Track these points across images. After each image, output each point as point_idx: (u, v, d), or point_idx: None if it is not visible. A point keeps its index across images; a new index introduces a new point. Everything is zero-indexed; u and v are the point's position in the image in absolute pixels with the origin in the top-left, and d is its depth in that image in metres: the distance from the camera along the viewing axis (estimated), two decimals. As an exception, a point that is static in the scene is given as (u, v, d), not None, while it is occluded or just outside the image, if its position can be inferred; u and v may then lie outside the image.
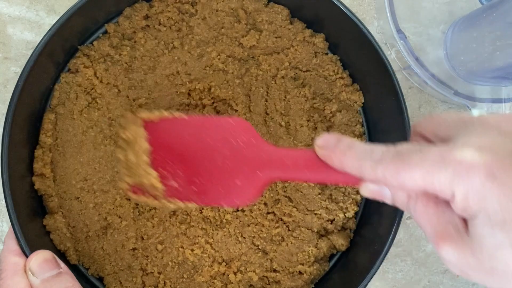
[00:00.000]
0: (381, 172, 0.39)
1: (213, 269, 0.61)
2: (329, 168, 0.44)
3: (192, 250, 0.61)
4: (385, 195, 0.44)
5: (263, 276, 0.61)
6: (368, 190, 0.44)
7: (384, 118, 0.62)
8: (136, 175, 0.50)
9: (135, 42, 0.62)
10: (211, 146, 0.49)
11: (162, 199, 0.50)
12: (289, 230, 0.62)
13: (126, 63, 0.62)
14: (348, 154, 0.42)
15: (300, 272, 0.61)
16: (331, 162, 0.43)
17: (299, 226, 0.62)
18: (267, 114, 0.63)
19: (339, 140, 0.43)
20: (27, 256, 0.52)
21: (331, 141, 0.43)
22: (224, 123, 0.50)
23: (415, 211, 0.42)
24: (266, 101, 0.63)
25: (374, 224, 0.61)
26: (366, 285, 0.56)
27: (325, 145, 0.44)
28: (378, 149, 0.41)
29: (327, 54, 0.64)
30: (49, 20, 0.67)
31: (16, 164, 0.56)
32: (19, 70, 0.65)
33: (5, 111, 0.54)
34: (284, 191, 0.62)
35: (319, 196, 0.61)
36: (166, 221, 0.61)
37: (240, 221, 0.61)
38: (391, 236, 0.56)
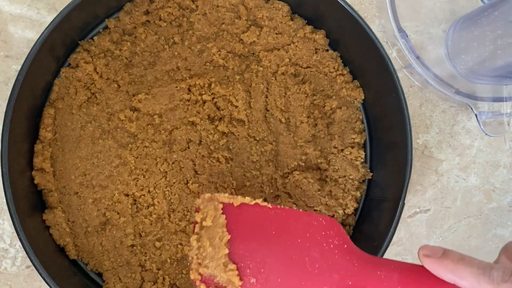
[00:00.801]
0: None
1: None
2: (428, 285, 0.42)
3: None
4: None
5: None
6: None
7: (385, 115, 0.62)
8: (212, 268, 0.45)
9: (135, 37, 0.62)
10: (299, 245, 0.45)
11: None
12: (288, 226, 0.61)
13: (126, 58, 0.62)
14: (461, 264, 0.40)
15: None
16: (440, 272, 0.41)
17: (299, 223, 0.61)
18: (267, 111, 0.62)
19: (445, 250, 0.42)
20: None
21: (437, 250, 0.42)
22: (314, 221, 0.46)
23: None
24: (267, 97, 0.63)
25: (374, 221, 0.61)
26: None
27: (431, 254, 0.42)
28: (498, 267, 0.39)
29: (327, 50, 0.64)
30: (50, 18, 0.66)
31: (16, 159, 0.56)
32: (20, 68, 0.65)
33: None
34: (284, 187, 0.61)
35: (319, 192, 0.61)
36: (164, 218, 0.61)
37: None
38: (390, 232, 0.56)
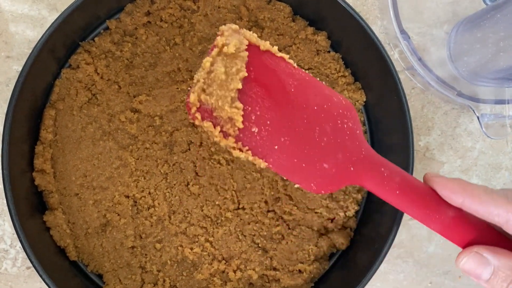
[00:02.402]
0: None
1: (213, 267, 0.60)
2: (426, 202, 0.41)
3: (191, 249, 0.60)
4: (483, 275, 0.41)
5: (263, 274, 0.61)
6: (468, 264, 0.41)
7: (386, 117, 0.62)
8: (217, 96, 0.40)
9: (136, 38, 0.62)
10: (314, 112, 0.42)
11: (231, 141, 0.41)
12: (289, 228, 0.61)
13: (127, 59, 0.62)
14: (472, 186, 0.40)
15: (300, 271, 0.61)
16: (447, 187, 0.41)
17: (299, 225, 0.61)
18: None
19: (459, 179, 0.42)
20: None
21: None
22: (335, 97, 0.43)
23: None
24: (268, 99, 0.62)
25: (375, 223, 0.60)
26: (366, 284, 0.56)
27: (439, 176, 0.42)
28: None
29: (329, 52, 0.64)
30: (51, 19, 0.66)
31: (17, 160, 0.56)
32: (21, 69, 0.65)
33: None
34: (285, 189, 0.61)
35: (320, 195, 0.61)
36: (164, 220, 0.61)
37: (241, 219, 0.61)
38: (391, 235, 0.56)
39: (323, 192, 0.43)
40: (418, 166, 0.69)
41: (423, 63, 0.65)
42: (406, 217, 0.68)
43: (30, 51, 0.55)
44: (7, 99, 0.65)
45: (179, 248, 0.60)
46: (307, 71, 0.63)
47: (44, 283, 0.55)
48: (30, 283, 0.65)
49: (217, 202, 0.61)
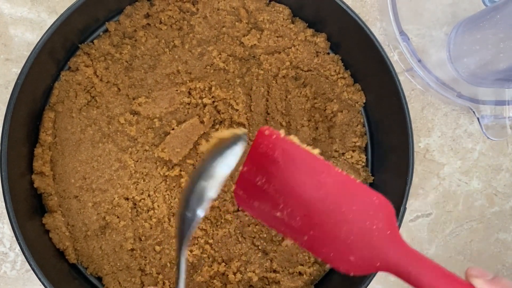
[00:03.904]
0: None
1: (213, 269, 0.60)
2: None
3: (191, 251, 0.60)
4: None
5: (263, 276, 0.61)
6: None
7: (386, 118, 0.61)
8: None
9: (135, 40, 0.62)
10: (342, 212, 0.43)
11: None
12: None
13: (127, 61, 0.62)
14: None
15: (300, 273, 0.61)
16: None
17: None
18: (268, 114, 0.62)
19: (495, 276, 0.40)
20: None
21: (487, 273, 0.40)
22: (367, 196, 0.44)
23: None
24: (267, 100, 0.62)
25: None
26: (367, 286, 0.55)
27: (481, 276, 0.40)
28: None
29: (328, 53, 0.64)
30: (51, 21, 0.66)
31: (16, 162, 0.56)
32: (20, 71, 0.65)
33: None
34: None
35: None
36: (164, 222, 0.60)
37: (241, 221, 0.61)
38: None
39: (351, 274, 0.45)
40: (418, 168, 0.69)
41: (422, 64, 0.65)
42: (406, 218, 0.68)
43: (29, 53, 0.55)
44: (6, 101, 0.65)
45: None
46: (306, 73, 0.63)
47: (43, 286, 0.55)
48: (29, 286, 0.65)
49: (216, 204, 0.61)
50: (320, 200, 0.43)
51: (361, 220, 0.43)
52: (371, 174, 0.64)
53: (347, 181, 0.44)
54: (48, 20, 0.66)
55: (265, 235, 0.61)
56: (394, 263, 0.42)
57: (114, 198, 0.60)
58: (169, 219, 0.60)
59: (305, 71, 0.63)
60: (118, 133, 0.61)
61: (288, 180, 0.44)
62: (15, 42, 0.66)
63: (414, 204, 0.69)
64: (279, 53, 0.63)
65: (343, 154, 0.63)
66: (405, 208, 0.57)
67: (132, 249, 0.60)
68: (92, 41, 0.62)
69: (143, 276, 0.60)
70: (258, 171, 0.45)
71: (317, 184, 0.44)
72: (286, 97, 0.62)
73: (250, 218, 0.61)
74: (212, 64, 0.62)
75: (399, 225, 0.56)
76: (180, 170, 0.61)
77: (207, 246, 0.60)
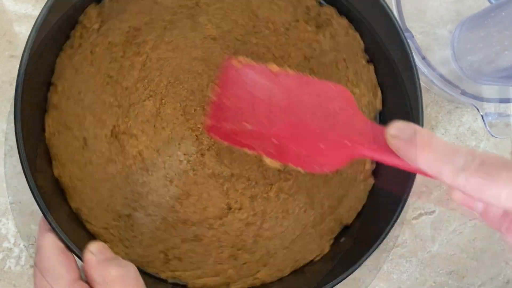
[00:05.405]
0: (462, 182, 0.35)
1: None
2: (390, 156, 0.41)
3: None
4: (476, 207, 0.41)
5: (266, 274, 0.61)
6: (457, 197, 0.41)
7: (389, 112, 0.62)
8: None
9: None
10: (304, 103, 0.47)
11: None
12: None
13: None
14: (426, 151, 0.37)
15: (303, 271, 0.61)
16: (403, 155, 0.39)
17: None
18: None
19: (416, 132, 0.38)
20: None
21: (406, 132, 0.38)
22: (325, 85, 0.47)
23: (508, 231, 0.39)
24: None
25: (376, 222, 0.60)
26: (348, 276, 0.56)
27: (399, 135, 0.39)
28: (462, 153, 0.36)
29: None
30: (55, 18, 0.67)
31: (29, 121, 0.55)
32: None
33: (10, 109, 0.54)
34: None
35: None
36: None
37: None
38: (385, 232, 0.56)
39: (328, 171, 0.47)
40: (422, 166, 0.69)
41: (427, 62, 0.65)
42: (409, 216, 0.68)
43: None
44: (11, 98, 0.65)
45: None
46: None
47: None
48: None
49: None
50: (283, 99, 0.48)
51: (323, 105, 0.46)
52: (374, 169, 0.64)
53: (304, 77, 0.49)
54: (52, 17, 0.66)
55: None
56: (363, 137, 0.44)
57: None
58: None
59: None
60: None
61: (252, 90, 0.48)
62: (19, 39, 0.66)
63: (417, 202, 0.69)
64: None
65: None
66: (405, 203, 0.57)
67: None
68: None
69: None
70: (225, 93, 0.49)
71: (278, 85, 0.48)
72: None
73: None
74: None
75: (396, 219, 0.56)
76: None
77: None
